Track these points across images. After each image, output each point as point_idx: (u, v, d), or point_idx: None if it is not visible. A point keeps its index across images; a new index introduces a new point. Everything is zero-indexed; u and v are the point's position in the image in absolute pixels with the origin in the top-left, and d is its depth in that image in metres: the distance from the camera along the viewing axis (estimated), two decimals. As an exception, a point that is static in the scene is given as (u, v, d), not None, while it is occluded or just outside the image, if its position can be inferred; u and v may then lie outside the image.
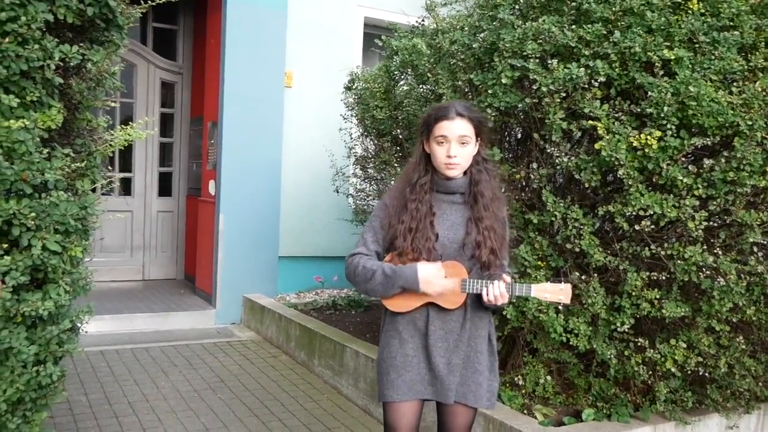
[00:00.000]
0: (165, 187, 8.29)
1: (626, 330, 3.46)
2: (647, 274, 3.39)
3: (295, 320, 5.73)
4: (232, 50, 6.71)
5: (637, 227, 3.29)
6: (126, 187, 8.05)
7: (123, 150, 7.85)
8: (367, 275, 2.37)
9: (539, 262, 3.60)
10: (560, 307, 3.57)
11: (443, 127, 2.36)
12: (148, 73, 7.97)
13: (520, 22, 3.55)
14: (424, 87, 4.42)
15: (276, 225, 7.04)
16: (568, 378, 3.97)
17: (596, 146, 3.27)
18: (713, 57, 3.25)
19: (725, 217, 3.30)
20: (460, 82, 3.81)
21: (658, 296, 3.39)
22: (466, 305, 2.44)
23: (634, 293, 3.41)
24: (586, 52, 3.32)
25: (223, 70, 6.72)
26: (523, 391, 3.91)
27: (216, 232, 6.81)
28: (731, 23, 3.33)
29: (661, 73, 3.21)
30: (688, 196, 3.22)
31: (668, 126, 3.17)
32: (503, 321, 3.81)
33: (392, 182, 4.38)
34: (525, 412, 3.76)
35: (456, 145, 2.36)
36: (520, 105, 3.52)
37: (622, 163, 3.21)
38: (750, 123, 3.15)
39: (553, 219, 3.48)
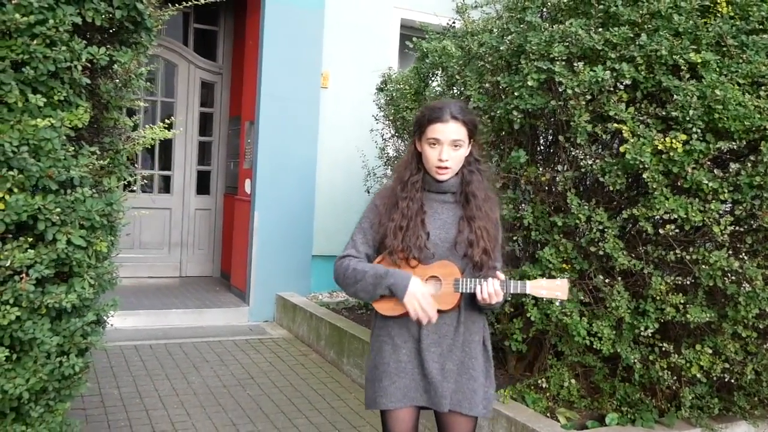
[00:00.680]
0: (203, 185, 8.45)
1: (650, 334, 3.43)
2: (672, 278, 3.35)
3: (325, 319, 5.79)
4: (270, 50, 6.82)
5: (661, 231, 3.26)
6: (165, 185, 8.23)
7: (163, 148, 8.07)
8: (357, 276, 2.31)
9: (564, 265, 3.59)
10: (583, 310, 3.56)
11: (436, 129, 2.31)
12: (189, 73, 8.13)
13: (547, 24, 3.55)
14: (454, 89, 4.43)
15: (310, 224, 7.11)
16: (593, 382, 3.95)
17: (621, 149, 3.25)
18: (741, 60, 3.20)
19: (751, 221, 3.25)
20: (487, 84, 3.82)
21: (683, 301, 3.35)
22: (460, 308, 2.38)
23: (658, 297, 3.38)
24: (613, 55, 3.30)
25: (260, 70, 6.83)
26: (548, 394, 3.90)
27: (251, 231, 6.93)
28: (761, 26, 3.27)
29: (688, 76, 3.18)
30: (714, 201, 3.18)
31: (694, 129, 3.14)
32: (528, 324, 3.81)
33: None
34: (548, 415, 3.75)
35: (448, 148, 2.31)
36: (546, 107, 3.51)
37: (646, 166, 3.19)
38: (778, 127, 3.10)
39: (578, 222, 3.46)
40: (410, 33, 7.23)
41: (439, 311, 2.31)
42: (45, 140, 2.13)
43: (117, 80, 2.55)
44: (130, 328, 6.16)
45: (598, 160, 3.41)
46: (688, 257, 3.28)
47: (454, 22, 4.83)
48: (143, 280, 7.85)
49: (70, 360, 2.35)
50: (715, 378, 3.54)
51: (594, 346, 3.54)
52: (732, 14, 3.33)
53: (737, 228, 3.24)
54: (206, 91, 8.37)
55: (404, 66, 7.21)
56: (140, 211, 3.71)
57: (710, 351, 3.46)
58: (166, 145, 8.10)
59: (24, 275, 2.16)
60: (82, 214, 2.29)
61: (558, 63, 3.37)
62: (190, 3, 2.90)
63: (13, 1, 2.05)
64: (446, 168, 2.33)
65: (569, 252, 3.58)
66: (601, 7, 3.41)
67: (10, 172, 2.09)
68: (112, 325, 2.79)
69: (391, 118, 5.40)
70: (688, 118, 3.13)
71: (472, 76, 3.94)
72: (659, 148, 3.17)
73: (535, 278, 2.97)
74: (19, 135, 2.10)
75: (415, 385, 2.39)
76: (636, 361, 3.52)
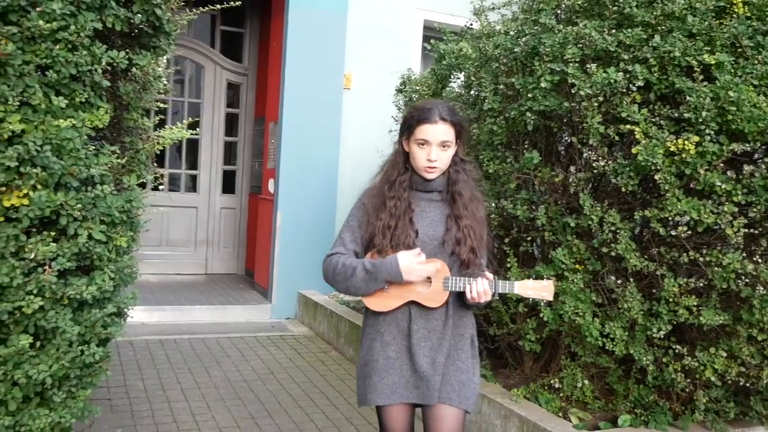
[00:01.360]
0: (228, 184, 8.59)
1: (663, 336, 3.43)
2: (685, 280, 3.35)
3: (345, 317, 5.87)
4: (293, 52, 6.90)
5: (673, 233, 3.27)
6: (192, 184, 8.38)
7: (190, 149, 8.22)
8: (347, 272, 2.32)
9: (576, 266, 3.61)
10: (596, 311, 3.58)
11: (425, 130, 2.33)
12: (215, 75, 8.27)
13: (561, 26, 3.57)
14: (471, 91, 4.48)
15: (332, 224, 7.19)
16: (608, 383, 3.96)
17: (633, 151, 3.27)
18: (756, 62, 3.19)
19: (766, 224, 3.24)
20: (501, 86, 3.86)
21: (696, 303, 3.35)
22: (448, 304, 2.41)
23: (671, 299, 3.38)
24: (626, 57, 3.33)
25: (284, 71, 6.92)
26: (561, 395, 3.92)
27: (274, 230, 7.03)
28: (778, 27, 3.27)
29: (701, 77, 3.18)
30: (727, 203, 3.18)
31: (707, 131, 3.14)
32: (542, 324, 3.84)
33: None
34: (561, 415, 3.77)
35: (437, 149, 2.34)
36: (560, 109, 3.55)
37: (659, 167, 3.20)
38: (793, 129, 3.09)
39: (590, 223, 3.49)
40: (433, 35, 7.28)
41: (428, 308, 2.36)
42: (67, 140, 2.23)
43: (137, 82, 2.65)
44: (156, 323, 6.30)
45: (610, 162, 3.43)
46: (701, 259, 3.27)
47: (471, 24, 4.87)
48: (170, 277, 8.01)
49: (91, 349, 2.46)
50: (730, 381, 3.51)
51: (607, 348, 3.55)
52: (749, 15, 3.31)
53: (751, 230, 3.22)
54: (232, 92, 8.51)
55: (426, 67, 7.26)
56: (160, 209, 3.80)
57: (725, 354, 3.43)
58: (193, 146, 8.25)
59: (47, 267, 2.27)
60: (102, 210, 2.40)
61: (571, 65, 3.40)
62: (207, 8, 3.00)
63: (37, 9, 2.15)
64: (434, 168, 2.36)
65: (582, 253, 3.61)
66: (615, 8, 3.44)
67: (34, 170, 2.20)
68: (132, 317, 2.89)
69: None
70: (701, 120, 3.14)
71: (488, 78, 3.98)
72: (672, 149, 3.18)
73: (546, 278, 3.00)
74: (42, 135, 2.21)
75: (404, 382, 2.40)
76: (649, 362, 3.52)
